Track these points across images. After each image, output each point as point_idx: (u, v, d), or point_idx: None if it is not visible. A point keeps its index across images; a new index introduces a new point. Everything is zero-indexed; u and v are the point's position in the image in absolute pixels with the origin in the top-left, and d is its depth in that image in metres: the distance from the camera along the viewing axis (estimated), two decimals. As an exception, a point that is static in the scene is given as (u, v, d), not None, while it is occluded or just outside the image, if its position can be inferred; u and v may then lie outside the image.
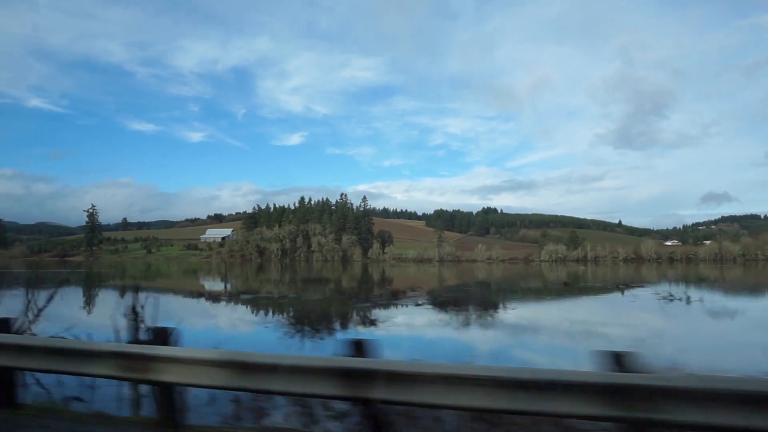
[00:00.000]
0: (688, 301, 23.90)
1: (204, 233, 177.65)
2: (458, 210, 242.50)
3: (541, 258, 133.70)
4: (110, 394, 7.30)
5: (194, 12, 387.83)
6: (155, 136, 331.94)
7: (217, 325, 17.22)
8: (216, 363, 4.60)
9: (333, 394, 4.25)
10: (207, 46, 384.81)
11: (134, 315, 10.33)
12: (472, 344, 13.76)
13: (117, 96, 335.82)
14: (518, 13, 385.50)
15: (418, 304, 21.52)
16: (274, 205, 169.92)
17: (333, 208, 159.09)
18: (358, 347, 4.45)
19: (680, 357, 9.44)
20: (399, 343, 13.61)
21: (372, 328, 15.45)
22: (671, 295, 25.44)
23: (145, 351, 4.97)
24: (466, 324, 16.75)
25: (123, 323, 9.80)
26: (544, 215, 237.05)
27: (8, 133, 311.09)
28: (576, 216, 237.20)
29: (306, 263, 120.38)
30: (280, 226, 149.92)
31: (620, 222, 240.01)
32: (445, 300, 21.94)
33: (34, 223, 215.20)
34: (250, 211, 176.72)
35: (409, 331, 15.41)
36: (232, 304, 24.21)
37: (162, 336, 5.46)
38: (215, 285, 42.40)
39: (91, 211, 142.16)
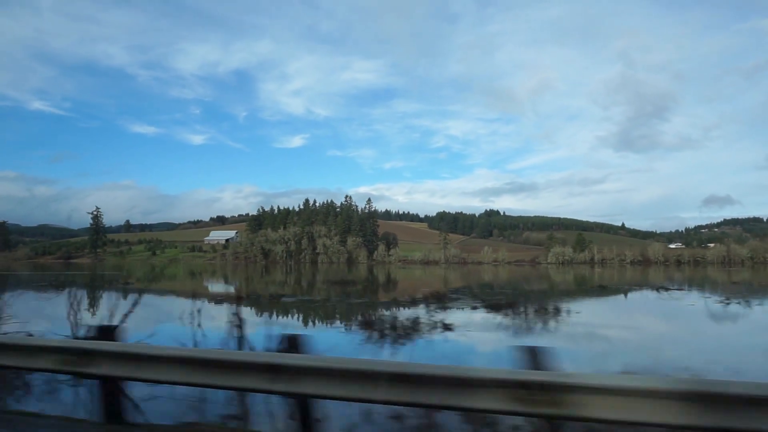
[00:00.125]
0: (749, 304, 23.24)
1: (207, 235, 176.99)
2: (461, 212, 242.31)
3: (548, 260, 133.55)
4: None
5: (195, 15, 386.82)
6: (156, 138, 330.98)
7: (311, 329, 16.44)
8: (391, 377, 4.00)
9: (506, 410, 3.63)
10: (208, 48, 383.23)
11: (238, 322, 9.83)
12: (608, 352, 13.11)
13: (118, 99, 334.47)
14: (519, 15, 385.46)
15: (474, 307, 21.02)
16: (278, 207, 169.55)
17: (338, 210, 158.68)
18: (533, 355, 3.91)
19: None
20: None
21: (448, 332, 14.93)
22: (728, 299, 24.75)
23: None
24: (543, 329, 16.25)
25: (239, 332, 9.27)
26: (546, 218, 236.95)
27: (10, 136, 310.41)
28: (578, 218, 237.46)
29: (311, 265, 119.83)
30: (284, 228, 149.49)
31: (623, 224, 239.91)
32: (497, 303, 21.47)
33: (36, 225, 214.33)
34: (252, 213, 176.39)
35: (496, 337, 14.78)
36: (278, 307, 23.70)
37: (294, 343, 4.91)
38: (243, 287, 41.70)
39: (95, 213, 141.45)
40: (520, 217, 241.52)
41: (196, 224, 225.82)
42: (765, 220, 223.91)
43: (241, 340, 9.80)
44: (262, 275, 66.43)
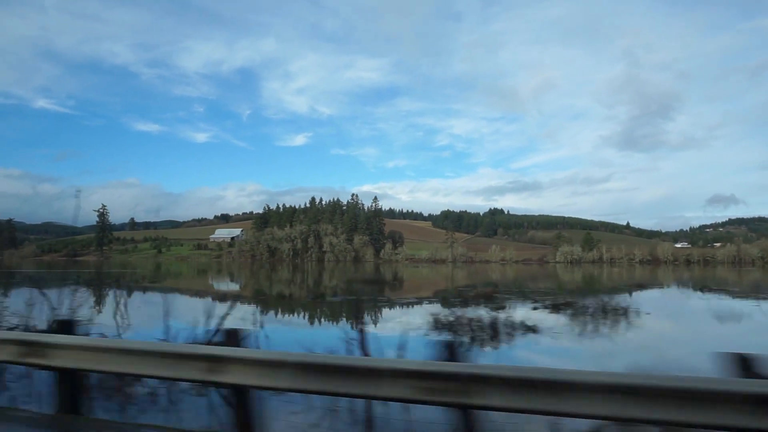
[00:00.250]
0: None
1: (211, 233, 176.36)
2: (465, 211, 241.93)
3: (556, 259, 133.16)
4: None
5: (200, 13, 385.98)
6: (160, 136, 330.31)
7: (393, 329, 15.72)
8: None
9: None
10: (212, 47, 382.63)
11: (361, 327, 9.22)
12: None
13: (122, 97, 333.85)
14: (523, 14, 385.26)
15: (535, 308, 20.41)
16: (284, 205, 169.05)
17: (344, 208, 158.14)
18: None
19: None
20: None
21: (532, 334, 14.32)
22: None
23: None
24: (616, 329, 15.65)
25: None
26: (550, 216, 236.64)
27: (15, 134, 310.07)
28: (583, 217, 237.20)
29: (318, 264, 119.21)
30: (291, 226, 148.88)
31: (628, 224, 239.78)
32: (556, 303, 20.86)
33: (41, 222, 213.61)
34: (255, 211, 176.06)
35: (590, 341, 14.18)
36: (325, 307, 23.11)
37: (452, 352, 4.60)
38: (278, 286, 41.05)
39: (101, 211, 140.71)
40: (524, 216, 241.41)
41: (201, 222, 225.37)
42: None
43: (363, 345, 9.24)
44: (276, 273, 65.70)
